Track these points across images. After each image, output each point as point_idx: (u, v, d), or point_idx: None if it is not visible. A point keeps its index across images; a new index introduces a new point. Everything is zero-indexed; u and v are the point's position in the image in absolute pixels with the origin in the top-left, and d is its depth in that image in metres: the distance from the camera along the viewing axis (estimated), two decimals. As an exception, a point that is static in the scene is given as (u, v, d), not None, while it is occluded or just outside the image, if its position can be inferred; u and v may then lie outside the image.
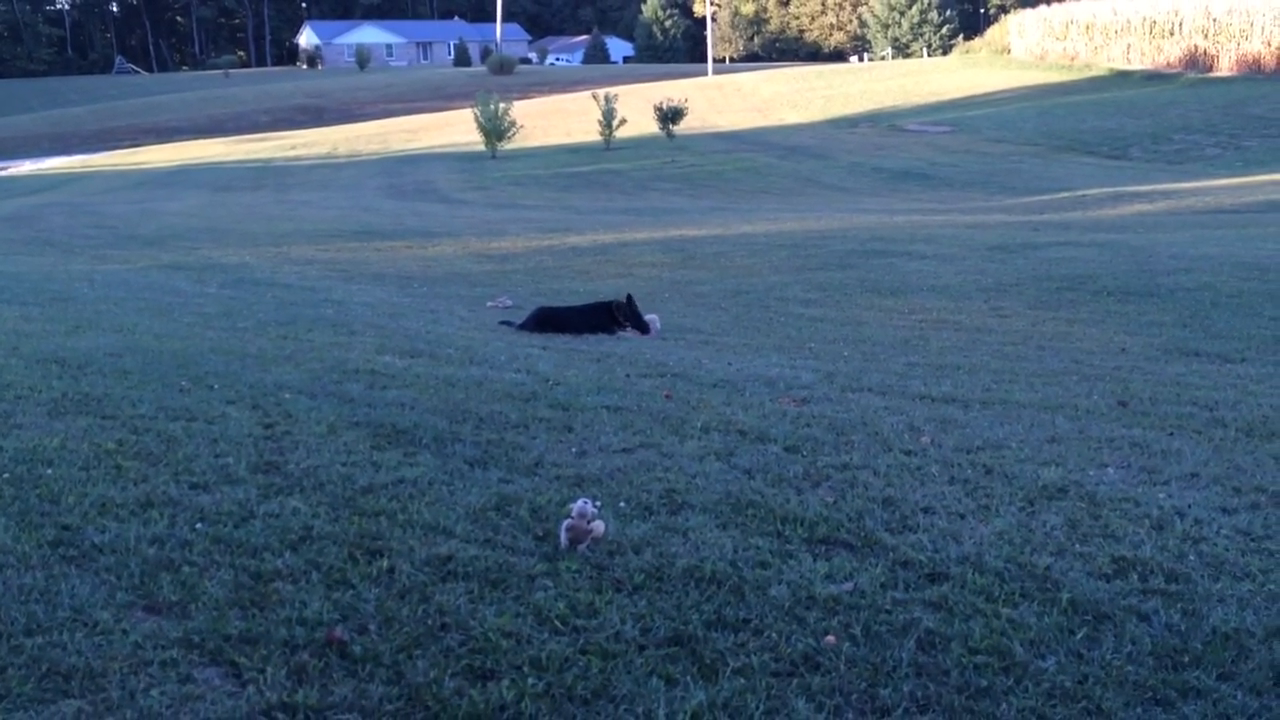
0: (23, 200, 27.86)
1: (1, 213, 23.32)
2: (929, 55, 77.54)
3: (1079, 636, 3.10)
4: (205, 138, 52.04)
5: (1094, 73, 51.36)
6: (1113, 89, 46.39)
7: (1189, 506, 4.20)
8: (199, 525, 3.68)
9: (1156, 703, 2.78)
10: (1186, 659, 2.99)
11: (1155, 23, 50.12)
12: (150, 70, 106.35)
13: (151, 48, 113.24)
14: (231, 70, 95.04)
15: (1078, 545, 3.80)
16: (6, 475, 4.09)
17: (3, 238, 17.72)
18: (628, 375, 6.76)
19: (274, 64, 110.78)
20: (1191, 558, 3.69)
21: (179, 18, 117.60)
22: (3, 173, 41.18)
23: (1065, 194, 23.60)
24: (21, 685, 2.59)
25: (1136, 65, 50.52)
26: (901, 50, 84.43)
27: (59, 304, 9.57)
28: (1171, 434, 5.39)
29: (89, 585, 3.16)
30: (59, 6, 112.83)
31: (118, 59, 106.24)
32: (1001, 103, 45.88)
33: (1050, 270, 12.21)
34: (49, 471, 4.18)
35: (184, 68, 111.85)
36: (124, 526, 3.62)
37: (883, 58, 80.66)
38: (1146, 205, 20.52)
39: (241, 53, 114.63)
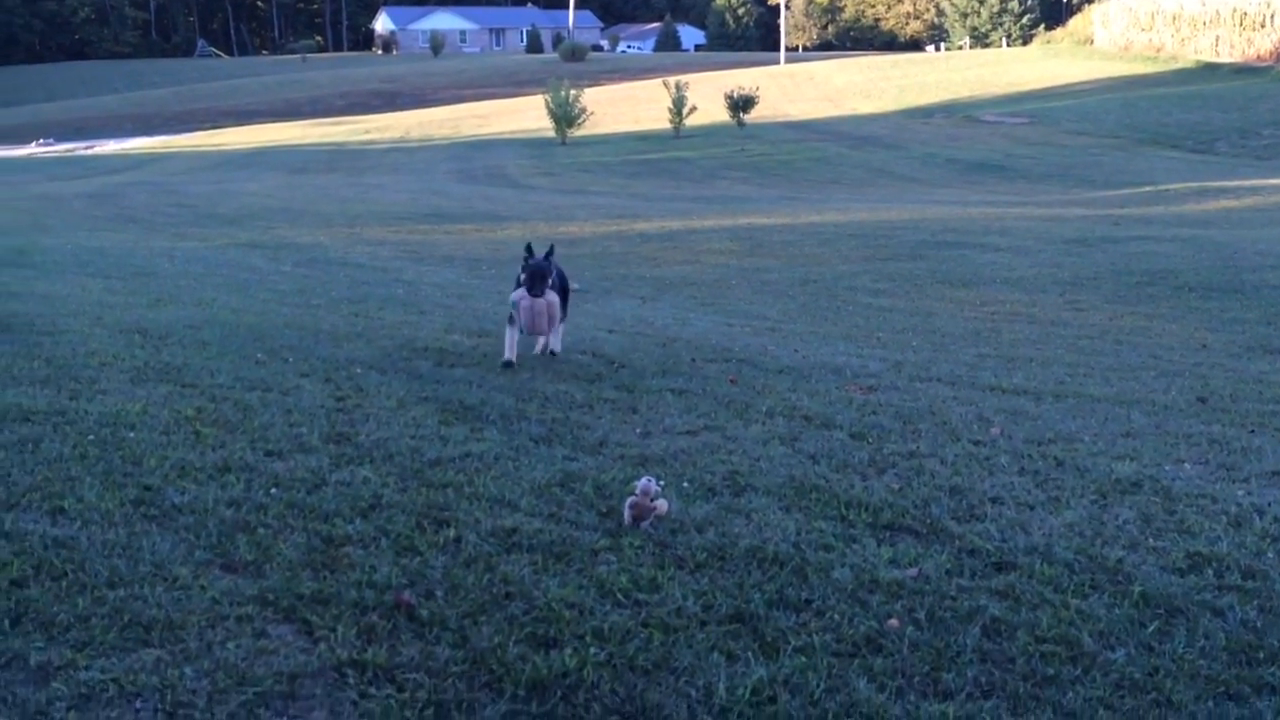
0: (107, 179, 28.70)
1: (87, 190, 24.05)
2: (1008, 45, 75.96)
3: (1150, 629, 3.04)
4: (282, 121, 53.06)
5: (1180, 65, 49.88)
6: (1199, 81, 45.01)
7: (1269, 504, 4.09)
8: (273, 490, 3.77)
9: (1229, 697, 2.72)
10: (1262, 655, 2.91)
11: (1246, 14, 48.48)
12: (230, 54, 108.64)
13: (232, 32, 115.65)
14: (309, 55, 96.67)
15: (1151, 540, 3.72)
16: (92, 437, 4.23)
17: (88, 214, 18.28)
18: (693, 360, 6.77)
19: (350, 49, 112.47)
20: (1270, 555, 3.59)
21: (259, 3, 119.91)
22: (88, 151, 42.44)
23: (1147, 188, 22.99)
24: (104, 634, 2.69)
25: (1225, 58, 48.93)
26: (980, 40, 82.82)
27: (141, 278, 9.85)
28: (1252, 431, 5.24)
29: (169, 543, 3.26)
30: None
31: (199, 43, 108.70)
32: (1083, 94, 44.79)
33: (1130, 265, 11.92)
34: (131, 435, 4.31)
35: (263, 52, 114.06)
36: (202, 489, 3.73)
37: (960, 47, 79.23)
38: (1232, 201, 19.89)
39: (319, 37, 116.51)
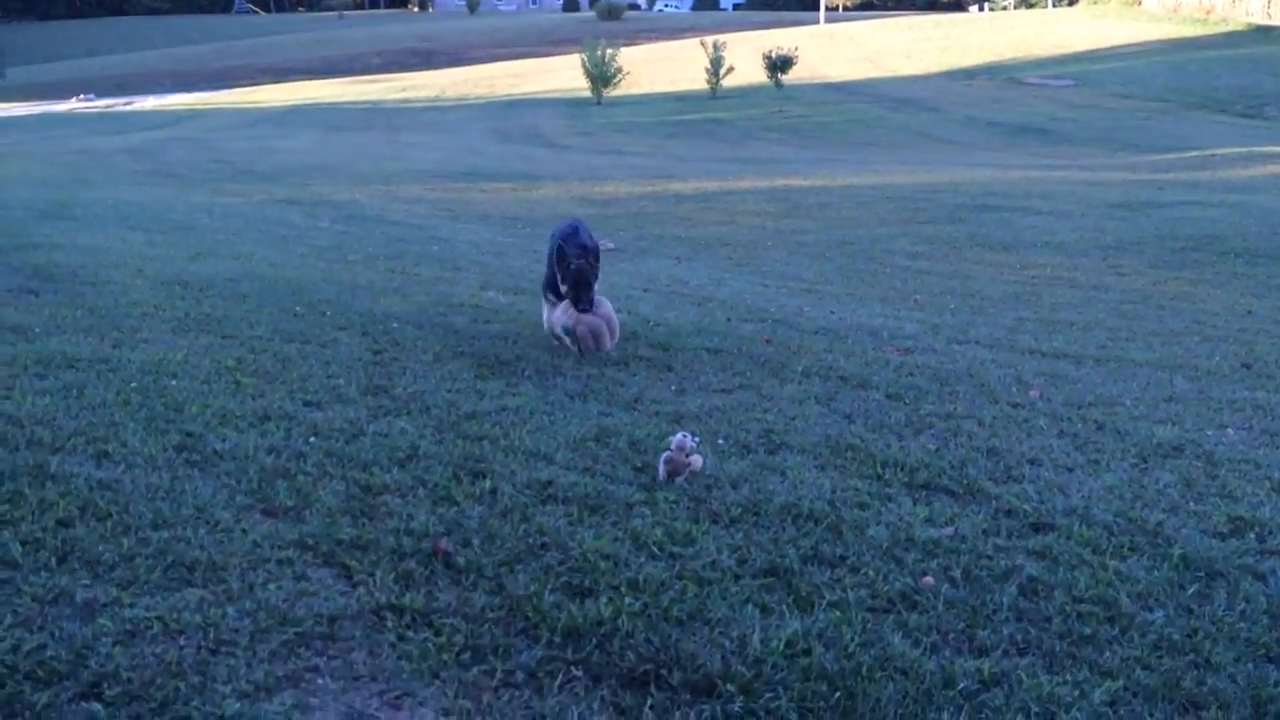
0: (146, 134, 28.92)
1: (127, 145, 24.26)
2: (1054, 5, 74.31)
3: (1190, 592, 3.02)
4: (319, 78, 53.12)
5: (1230, 27, 48.63)
6: (1250, 45, 43.89)
7: (1314, 471, 4.02)
8: (312, 439, 3.81)
9: (1269, 660, 2.70)
10: (1305, 620, 2.88)
11: (1302, -26, 47.14)
12: (268, 10, 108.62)
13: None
14: (345, 12, 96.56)
15: (1192, 503, 3.69)
16: (134, 385, 4.29)
17: (128, 169, 18.45)
18: (728, 319, 6.75)
19: (386, 6, 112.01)
20: (1315, 522, 3.54)
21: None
22: (127, 107, 42.76)
23: (1194, 153, 22.53)
24: (149, 573, 2.74)
25: (1277, 20, 47.62)
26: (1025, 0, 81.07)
27: (180, 232, 9.95)
28: (1298, 398, 5.16)
29: (210, 487, 3.31)
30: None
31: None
32: (1130, 56, 43.85)
33: (1174, 229, 11.72)
34: (173, 383, 4.37)
35: (300, 9, 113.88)
36: (243, 436, 3.78)
37: (1004, 7, 77.65)
38: (1281, 167, 19.46)
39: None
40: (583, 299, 5.18)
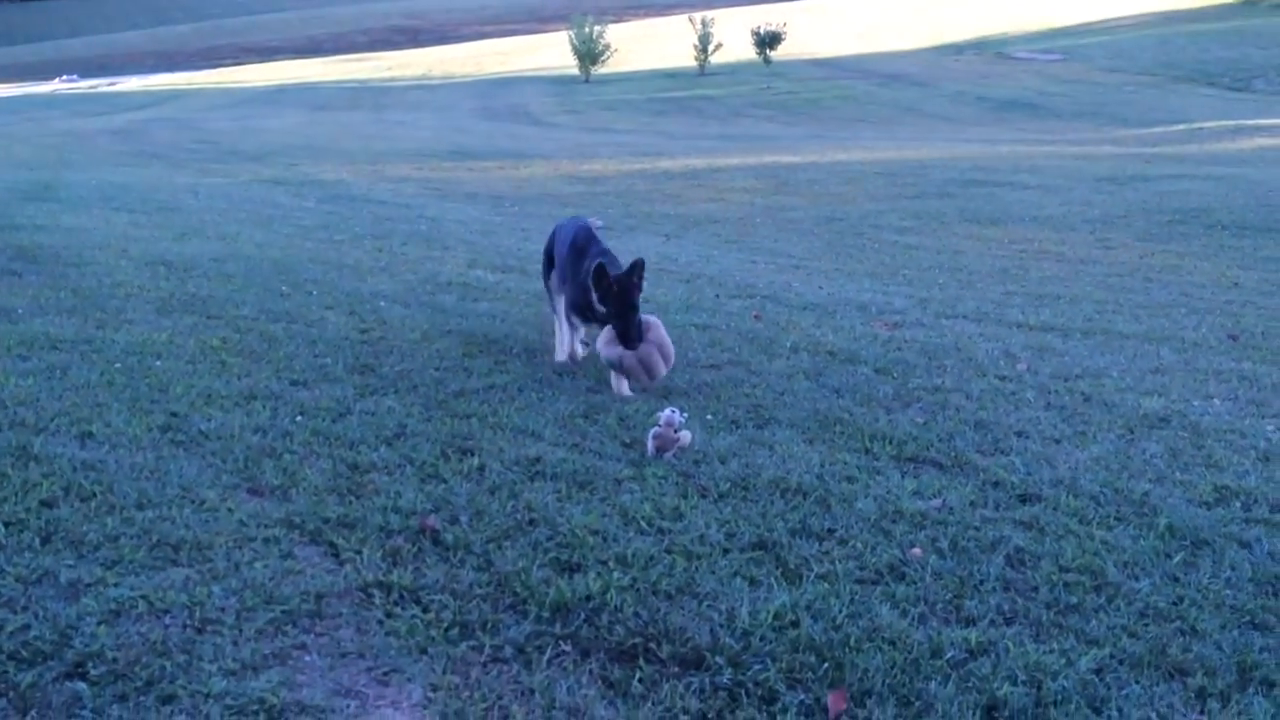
0: (130, 115, 28.67)
1: (110, 126, 24.05)
2: (1041, -20, 74.04)
3: (1176, 560, 3.03)
4: (304, 57, 52.72)
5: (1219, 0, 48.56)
6: (1238, 17, 43.85)
7: (1299, 440, 4.04)
8: (299, 418, 3.79)
9: (1254, 626, 2.71)
10: (1289, 587, 2.90)
11: (1291, -54, 47.01)
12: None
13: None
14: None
15: (1178, 473, 3.70)
16: (119, 365, 4.26)
17: (112, 150, 18.29)
18: (716, 296, 6.74)
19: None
20: (1300, 490, 3.55)
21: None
22: (111, 88, 42.36)
23: (1182, 126, 22.53)
24: (134, 553, 2.73)
25: (1267, -8, 47.55)
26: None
27: (165, 213, 9.87)
28: (1284, 369, 5.17)
29: (196, 467, 3.29)
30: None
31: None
32: (1118, 30, 43.78)
33: (1162, 203, 11.73)
34: (158, 364, 4.34)
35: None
36: (229, 416, 3.76)
37: (992, -18, 77.31)
38: (1268, 140, 19.45)
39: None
40: (631, 333, 4.24)
